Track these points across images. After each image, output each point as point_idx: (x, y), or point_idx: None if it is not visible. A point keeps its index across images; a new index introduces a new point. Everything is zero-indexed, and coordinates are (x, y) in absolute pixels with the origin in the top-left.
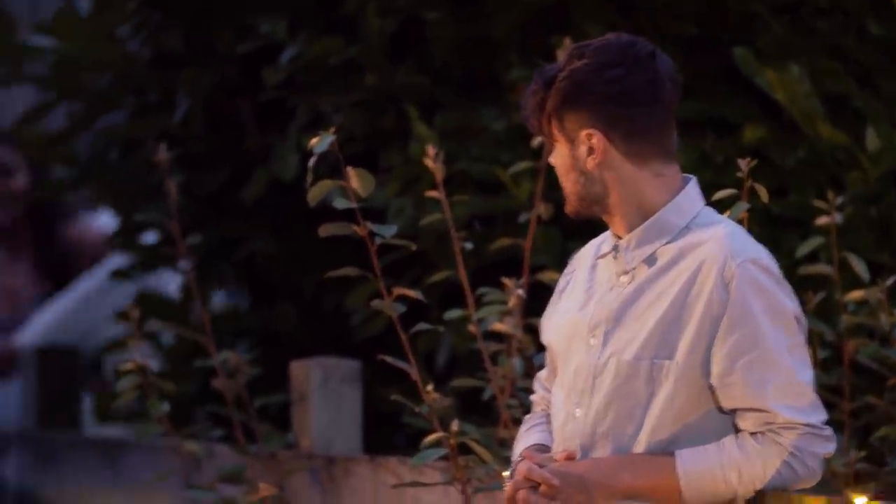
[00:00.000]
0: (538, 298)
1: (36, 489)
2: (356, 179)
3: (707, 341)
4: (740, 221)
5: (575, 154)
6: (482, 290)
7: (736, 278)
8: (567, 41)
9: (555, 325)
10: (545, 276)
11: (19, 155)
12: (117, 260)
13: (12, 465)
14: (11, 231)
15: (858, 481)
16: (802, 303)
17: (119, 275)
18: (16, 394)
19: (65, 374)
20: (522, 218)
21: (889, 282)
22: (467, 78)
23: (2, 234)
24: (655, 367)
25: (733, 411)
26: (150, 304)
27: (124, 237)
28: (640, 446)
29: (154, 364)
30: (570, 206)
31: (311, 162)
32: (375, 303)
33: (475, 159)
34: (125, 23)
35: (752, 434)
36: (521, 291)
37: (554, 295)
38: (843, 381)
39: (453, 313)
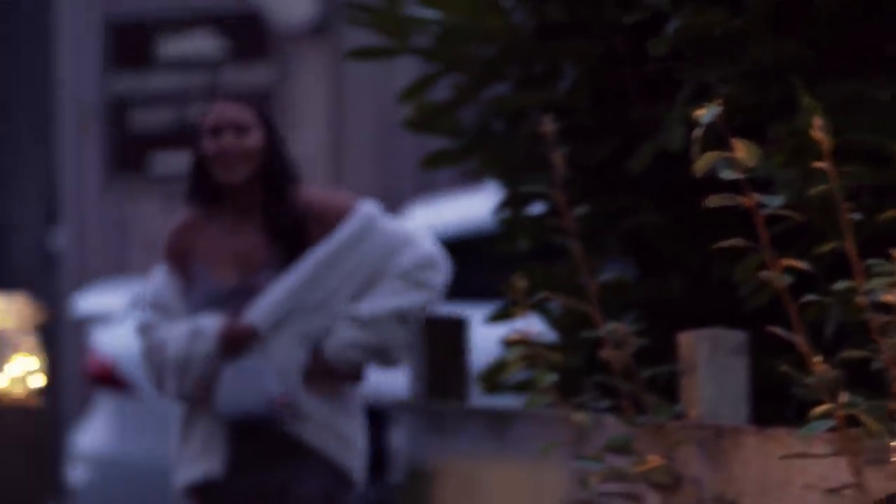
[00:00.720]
0: None
1: (424, 459)
2: (742, 150)
3: None
4: None
5: None
6: (871, 261)
7: None
8: None
9: None
10: None
11: (255, 114)
12: (348, 230)
13: (401, 436)
14: (243, 191)
15: None
16: None
17: (503, 244)
18: (257, 373)
19: (452, 342)
20: None
21: None
22: (853, 48)
23: (233, 194)
24: None
25: None
26: (538, 274)
27: (510, 208)
28: None
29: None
30: None
31: (697, 133)
32: (763, 274)
33: (862, 130)
34: None
35: None
36: None
37: None
38: None
39: (841, 284)
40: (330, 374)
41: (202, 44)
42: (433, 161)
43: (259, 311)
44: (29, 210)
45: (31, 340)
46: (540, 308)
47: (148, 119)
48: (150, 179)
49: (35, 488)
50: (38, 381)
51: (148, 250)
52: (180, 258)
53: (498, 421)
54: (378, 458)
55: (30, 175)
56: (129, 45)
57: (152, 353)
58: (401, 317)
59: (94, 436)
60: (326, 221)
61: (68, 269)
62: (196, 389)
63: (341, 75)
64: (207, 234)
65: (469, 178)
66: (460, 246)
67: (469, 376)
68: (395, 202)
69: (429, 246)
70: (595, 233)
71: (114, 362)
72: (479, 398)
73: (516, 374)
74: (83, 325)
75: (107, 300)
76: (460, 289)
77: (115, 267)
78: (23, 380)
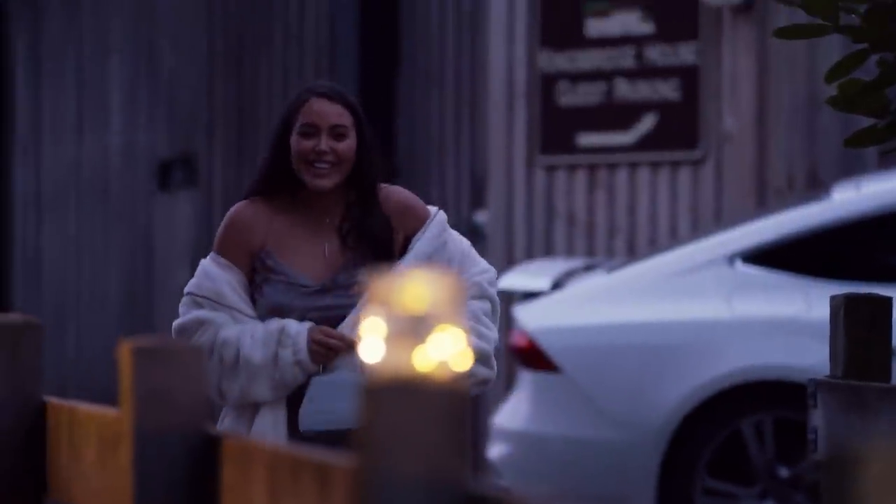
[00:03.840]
0: None
1: (845, 438)
2: None
3: None
4: None
5: None
6: None
7: None
8: None
9: None
10: None
11: (352, 116)
12: (431, 237)
13: (821, 414)
14: (328, 194)
15: None
16: None
17: None
18: None
19: (875, 321)
20: None
21: None
22: None
23: (317, 196)
24: None
25: None
26: None
27: None
28: None
29: None
30: None
31: None
32: None
33: None
34: None
35: None
36: None
37: None
38: None
39: None
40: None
41: (629, 21)
42: (858, 140)
43: (356, 323)
44: (456, 188)
45: (458, 321)
46: None
47: (574, 97)
48: (577, 157)
49: (453, 464)
50: (462, 361)
51: (573, 228)
52: (243, 250)
53: None
54: (800, 435)
55: (457, 149)
56: (557, 23)
57: (213, 351)
58: (497, 349)
59: (516, 412)
60: (408, 225)
61: (493, 248)
62: (272, 396)
63: (766, 53)
64: (278, 228)
65: (894, 157)
66: (885, 225)
67: (891, 355)
68: (820, 180)
69: (483, 262)
70: None
71: (538, 340)
72: None
73: None
74: (508, 304)
75: (532, 279)
76: (884, 268)
77: (540, 245)
78: (446, 362)
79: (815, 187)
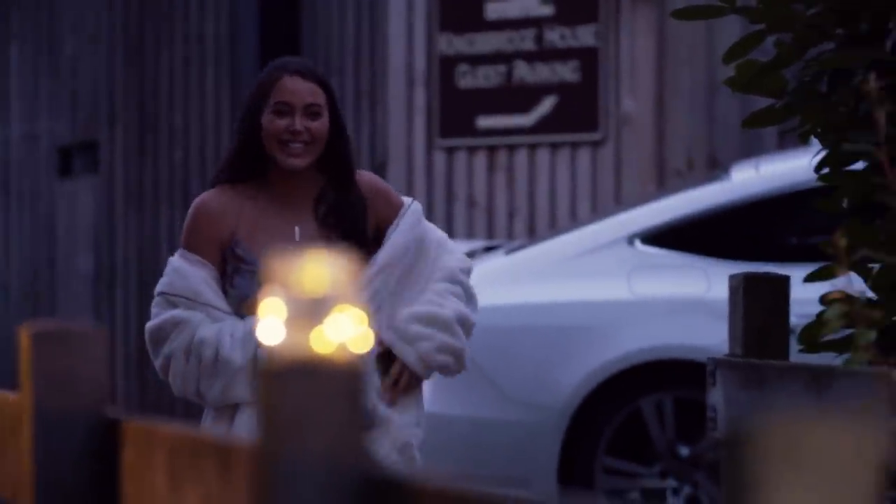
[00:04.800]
0: None
1: (743, 416)
2: None
3: None
4: None
5: None
6: None
7: None
8: None
9: None
10: None
11: (326, 96)
12: (406, 228)
13: (720, 393)
14: (301, 176)
15: None
16: None
17: (825, 203)
18: None
19: (774, 300)
20: None
21: None
22: None
23: (290, 178)
24: None
25: None
26: (858, 232)
27: (830, 167)
28: None
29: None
30: None
31: None
32: None
33: None
34: None
35: None
36: None
37: None
38: None
39: None
40: (415, 382)
41: (529, 4)
42: (756, 120)
43: None
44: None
45: (356, 302)
46: (860, 266)
47: (474, 80)
48: (476, 140)
49: (354, 445)
50: (362, 343)
51: (473, 210)
52: (213, 242)
53: (818, 378)
54: (698, 415)
55: (358, 136)
56: (457, 6)
57: (191, 352)
58: (466, 323)
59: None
60: (380, 210)
61: None
62: (253, 396)
63: (666, 36)
64: (248, 215)
65: (791, 138)
66: (783, 205)
67: (789, 334)
68: (718, 162)
69: (460, 251)
70: None
71: None
72: (797, 356)
73: (836, 331)
74: None
75: None
76: (782, 247)
77: (441, 227)
78: (344, 343)
79: (714, 169)
